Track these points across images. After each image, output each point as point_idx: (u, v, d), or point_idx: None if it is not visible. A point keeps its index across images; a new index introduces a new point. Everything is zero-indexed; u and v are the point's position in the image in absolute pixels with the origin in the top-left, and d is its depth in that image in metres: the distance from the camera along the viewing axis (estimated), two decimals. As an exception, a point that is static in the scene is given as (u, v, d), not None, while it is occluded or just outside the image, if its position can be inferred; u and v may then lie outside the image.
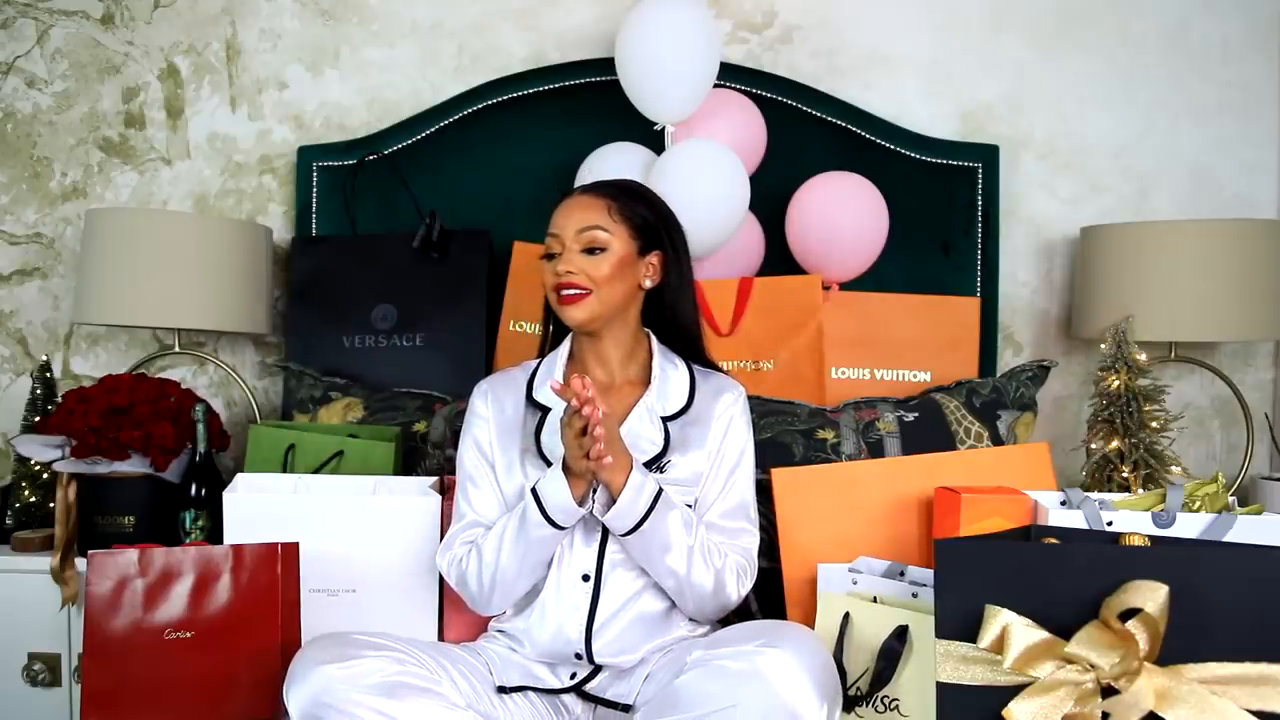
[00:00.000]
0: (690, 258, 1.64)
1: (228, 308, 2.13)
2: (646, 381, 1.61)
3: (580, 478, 1.42)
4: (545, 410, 1.58)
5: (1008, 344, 2.30)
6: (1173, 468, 1.90)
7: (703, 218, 1.92)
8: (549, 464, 1.51)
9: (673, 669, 1.37)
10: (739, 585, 1.53)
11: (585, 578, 1.49)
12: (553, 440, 1.53)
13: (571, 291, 1.52)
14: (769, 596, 1.71)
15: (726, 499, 1.57)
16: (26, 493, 2.08)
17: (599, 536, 1.50)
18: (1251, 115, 2.28)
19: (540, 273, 1.58)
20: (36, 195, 2.40)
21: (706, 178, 1.93)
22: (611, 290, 1.54)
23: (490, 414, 1.60)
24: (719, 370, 1.68)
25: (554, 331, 1.67)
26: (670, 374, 1.61)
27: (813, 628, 1.50)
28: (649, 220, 1.58)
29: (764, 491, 1.69)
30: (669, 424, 1.57)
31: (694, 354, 1.65)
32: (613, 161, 2.02)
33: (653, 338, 1.65)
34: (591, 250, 1.53)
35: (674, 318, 1.64)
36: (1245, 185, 2.28)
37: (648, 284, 1.59)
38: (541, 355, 1.67)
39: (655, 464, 1.53)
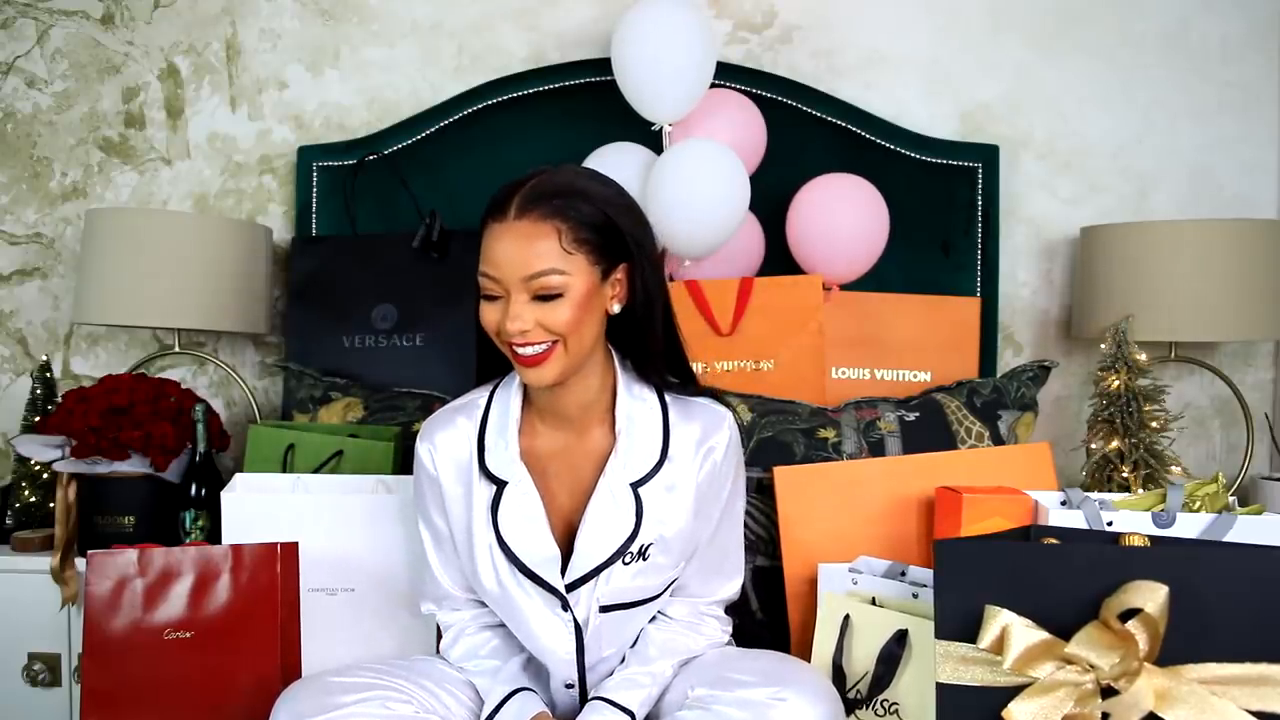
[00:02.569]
0: (658, 254, 1.39)
1: (228, 308, 2.13)
2: (612, 427, 1.37)
3: None
4: (502, 484, 1.35)
5: (1008, 344, 2.30)
6: (1173, 468, 1.90)
7: (703, 218, 1.92)
8: (513, 558, 1.33)
9: (674, 689, 1.35)
10: (723, 636, 1.47)
11: (569, 686, 1.39)
12: (510, 525, 1.34)
13: (530, 350, 1.25)
14: (769, 595, 1.71)
15: (707, 556, 1.42)
16: (26, 493, 2.08)
17: (574, 641, 1.35)
18: (1251, 115, 2.27)
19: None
20: (36, 195, 2.40)
21: (706, 177, 1.93)
22: (579, 337, 1.27)
23: (437, 474, 1.38)
24: (699, 390, 1.43)
25: (487, 355, 1.39)
26: (638, 417, 1.36)
27: (813, 627, 1.50)
28: (608, 232, 1.28)
29: (765, 490, 1.69)
30: (640, 489, 1.34)
31: (672, 373, 1.41)
32: (612, 160, 2.02)
33: (616, 363, 1.39)
34: (548, 297, 1.24)
35: (646, 342, 1.36)
36: (1245, 185, 2.28)
37: (616, 308, 1.32)
38: (480, 380, 1.44)
39: (627, 549, 1.33)
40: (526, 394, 1.40)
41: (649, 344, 1.37)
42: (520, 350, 1.26)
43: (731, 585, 1.47)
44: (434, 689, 1.36)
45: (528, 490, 1.35)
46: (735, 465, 1.43)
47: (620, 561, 1.33)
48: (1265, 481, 2.09)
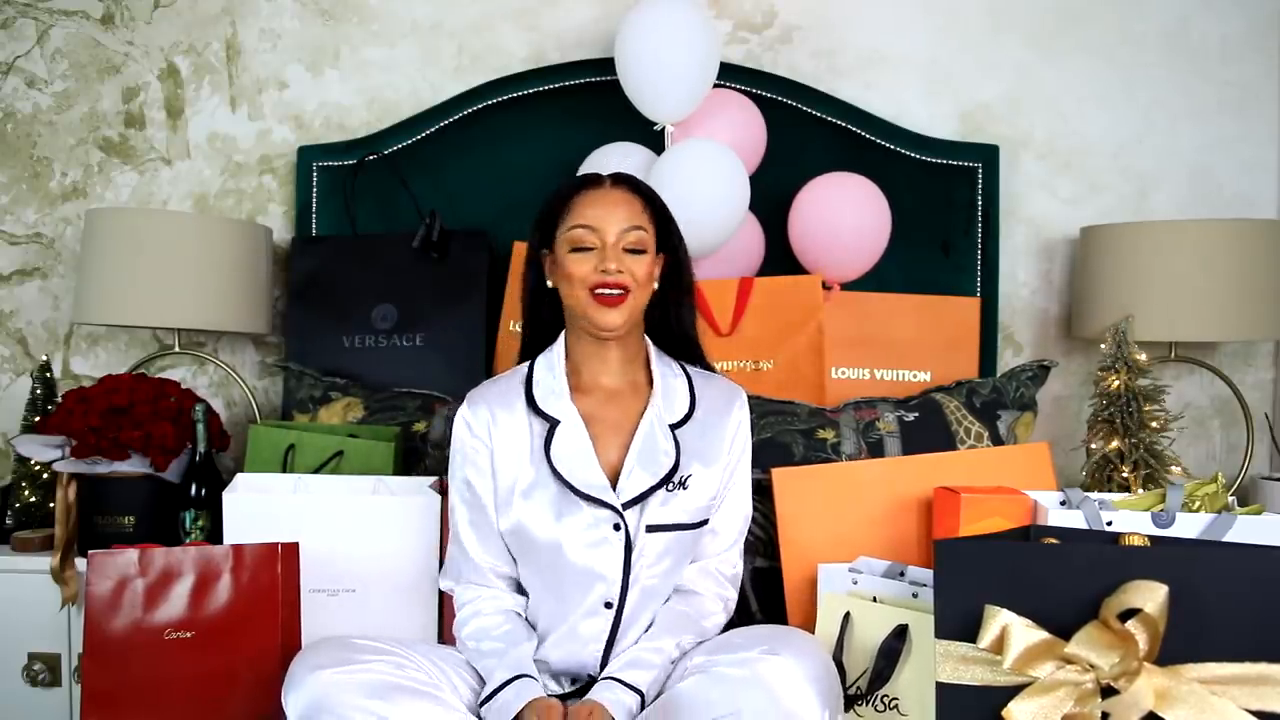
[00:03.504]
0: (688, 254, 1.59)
1: (228, 308, 2.12)
2: (646, 385, 1.55)
3: None
4: (555, 422, 1.49)
5: (1008, 344, 2.30)
6: (1173, 468, 1.90)
7: (703, 218, 1.92)
8: (568, 485, 1.43)
9: (677, 667, 1.38)
10: (727, 610, 1.54)
11: (608, 604, 1.44)
12: (562, 455, 1.46)
13: (615, 292, 1.45)
14: (769, 596, 1.71)
15: (725, 513, 1.54)
16: (26, 493, 2.08)
17: (622, 557, 1.43)
18: (1251, 115, 2.27)
19: (563, 267, 1.47)
20: (36, 195, 2.40)
21: (706, 177, 1.93)
22: (644, 293, 1.49)
23: (478, 436, 1.50)
24: (713, 371, 1.63)
25: (534, 331, 1.59)
26: (670, 380, 1.55)
27: (813, 627, 1.50)
28: (662, 220, 1.53)
29: (764, 491, 1.69)
30: (676, 431, 1.51)
31: (693, 359, 1.61)
32: (614, 160, 2.02)
33: (648, 340, 1.58)
34: (635, 250, 1.47)
35: (677, 322, 1.59)
36: (1245, 185, 2.28)
37: (655, 285, 1.54)
38: (524, 358, 1.59)
39: (670, 478, 1.46)
40: (569, 354, 1.54)
41: (681, 330, 1.58)
42: (604, 291, 1.45)
43: (741, 538, 1.57)
44: (442, 666, 1.40)
45: (579, 428, 1.48)
46: (748, 429, 1.59)
47: (664, 489, 1.46)
48: (1265, 481, 2.09)
